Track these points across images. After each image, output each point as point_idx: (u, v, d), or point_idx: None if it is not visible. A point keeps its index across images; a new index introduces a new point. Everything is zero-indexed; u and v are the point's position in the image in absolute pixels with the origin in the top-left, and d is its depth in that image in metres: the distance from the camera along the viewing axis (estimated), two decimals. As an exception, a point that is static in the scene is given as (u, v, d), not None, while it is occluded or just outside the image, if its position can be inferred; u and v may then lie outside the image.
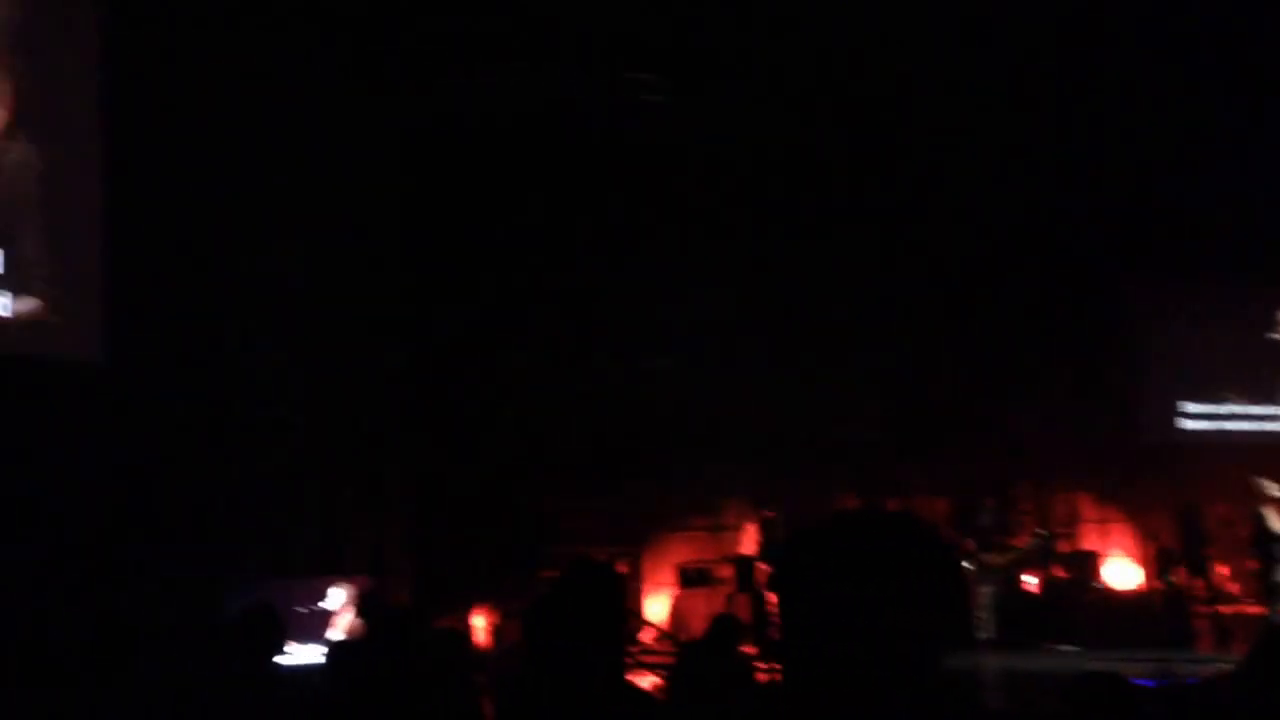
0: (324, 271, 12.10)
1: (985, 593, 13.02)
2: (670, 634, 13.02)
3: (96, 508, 9.48)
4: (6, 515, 8.50)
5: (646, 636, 13.19)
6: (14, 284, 9.37)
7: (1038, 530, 14.81)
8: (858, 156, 14.66)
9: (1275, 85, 14.40)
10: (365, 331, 12.47)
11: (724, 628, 6.74)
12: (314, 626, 10.08)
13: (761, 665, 9.50)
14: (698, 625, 11.44)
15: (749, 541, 13.60)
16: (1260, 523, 11.29)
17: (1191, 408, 16.61)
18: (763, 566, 12.75)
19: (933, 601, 1.79)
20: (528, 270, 13.66)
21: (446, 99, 13.18)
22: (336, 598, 10.60)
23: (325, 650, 6.63)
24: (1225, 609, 13.99)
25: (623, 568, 13.51)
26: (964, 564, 13.30)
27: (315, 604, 10.56)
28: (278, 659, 5.66)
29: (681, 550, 14.24)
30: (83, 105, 9.90)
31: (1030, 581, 14.28)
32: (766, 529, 13.19)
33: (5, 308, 9.32)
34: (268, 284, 11.64)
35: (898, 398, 15.08)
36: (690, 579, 13.70)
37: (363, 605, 9.11)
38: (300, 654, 8.67)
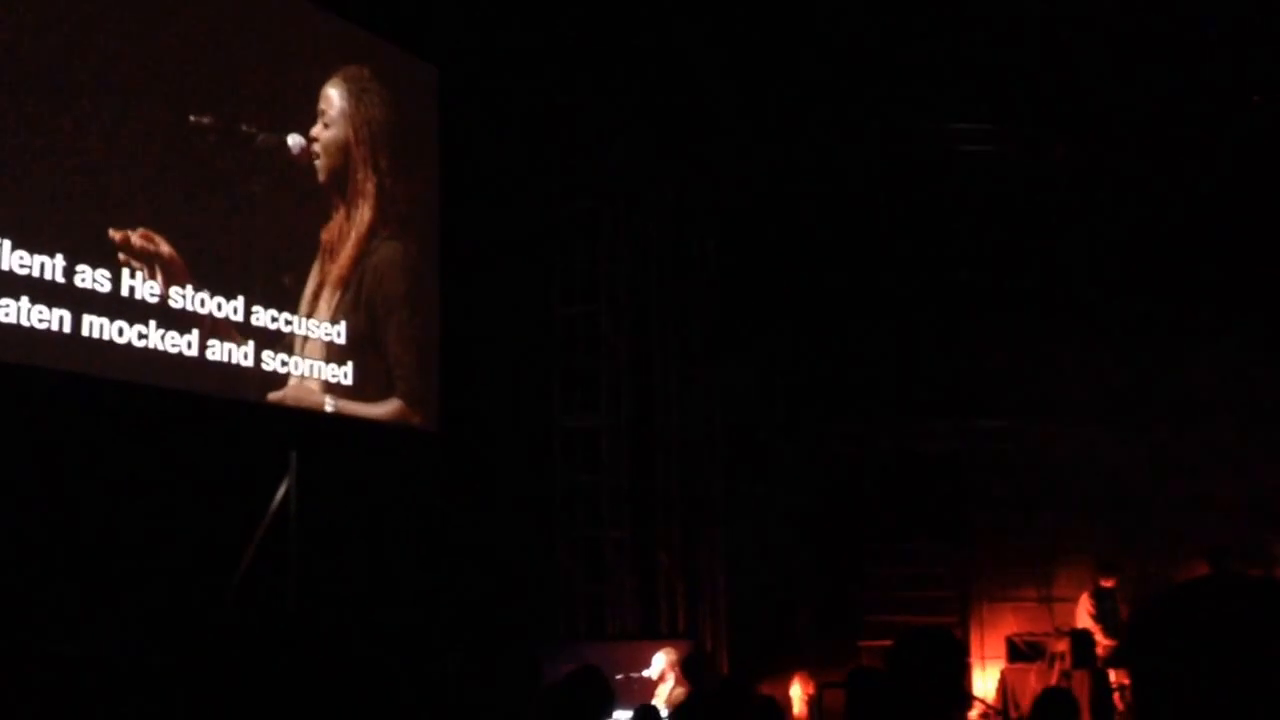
0: (637, 340, 12.35)
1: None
2: (1000, 710, 12.48)
3: (418, 573, 9.83)
4: (335, 584, 8.85)
5: (974, 713, 12.68)
6: (383, 388, 9.50)
7: None
8: (1184, 202, 13.88)
9: None
10: (680, 394, 12.64)
11: (1056, 703, 6.25)
12: (635, 693, 10.07)
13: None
14: (1027, 702, 10.91)
15: (1084, 613, 12.91)
16: None
17: None
18: (1102, 639, 12.07)
19: None
20: (848, 330, 13.54)
21: (761, 158, 13.27)
22: (658, 664, 10.55)
23: (634, 715, 6.63)
24: None
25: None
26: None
27: (636, 670, 10.55)
28: (605, 722, 5.65)
29: (1010, 621, 13.67)
30: (428, 200, 10.14)
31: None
32: (1101, 599, 12.48)
33: (373, 413, 9.41)
34: (586, 351, 11.98)
35: (1254, 458, 14.02)
36: (1021, 653, 13.10)
37: (688, 669, 9.08)
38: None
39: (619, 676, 10.18)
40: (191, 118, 8.04)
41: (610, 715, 5.56)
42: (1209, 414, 13.73)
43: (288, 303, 8.67)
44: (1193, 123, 13.57)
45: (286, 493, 8.25)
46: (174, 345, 7.72)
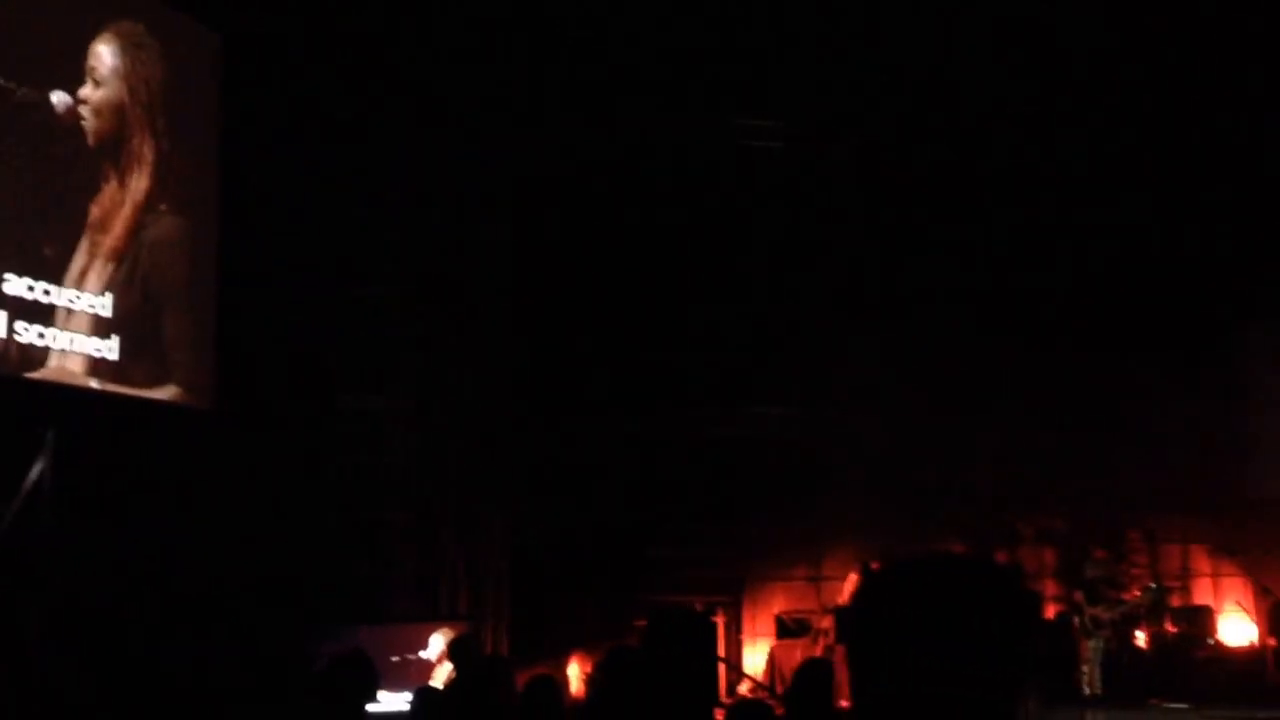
0: (424, 322, 12.25)
1: (1093, 647, 12.70)
2: (766, 685, 12.85)
3: (189, 554, 9.58)
4: (97, 562, 8.58)
5: (743, 688, 13.03)
6: (158, 373, 9.15)
7: (1149, 584, 14.42)
8: (969, 199, 14.52)
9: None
10: (467, 379, 12.58)
11: (814, 672, 6.30)
12: (411, 675, 10.00)
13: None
14: (795, 677, 11.26)
15: (850, 592, 13.39)
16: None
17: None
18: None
19: (1003, 649, 1.72)
20: (632, 318, 13.69)
21: (555, 149, 13.32)
22: (436, 645, 10.50)
23: (412, 698, 6.63)
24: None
25: (720, 617, 13.41)
26: (1072, 617, 12.99)
27: (413, 652, 10.48)
28: (369, 707, 5.64)
29: (781, 600, 14.09)
30: (208, 172, 9.68)
31: (1140, 636, 13.90)
32: (867, 579, 12.96)
33: (146, 395, 9.06)
34: (367, 332, 11.81)
35: (1008, 447, 14.80)
36: (789, 629, 13.53)
37: (455, 651, 9.07)
38: (393, 702, 8.65)
39: (396, 658, 10.12)
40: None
41: (374, 699, 5.56)
42: (967, 405, 14.38)
43: (47, 273, 8.22)
44: (973, 119, 14.19)
45: (42, 472, 7.93)
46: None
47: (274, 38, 10.46)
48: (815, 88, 13.96)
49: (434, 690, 7.27)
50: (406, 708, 7.68)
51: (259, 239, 10.39)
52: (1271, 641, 13.57)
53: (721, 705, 10.00)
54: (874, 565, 12.95)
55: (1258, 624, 14.47)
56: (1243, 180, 14.89)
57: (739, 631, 13.86)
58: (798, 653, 12.79)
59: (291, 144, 10.71)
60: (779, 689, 12.32)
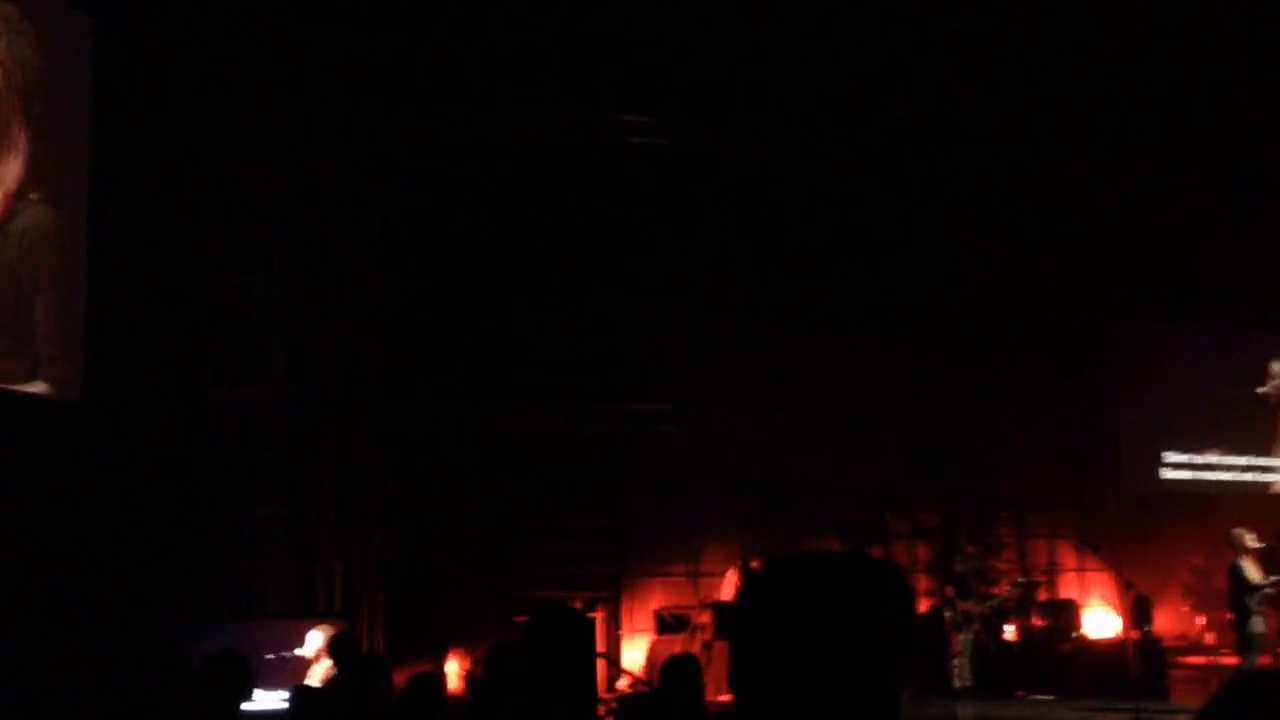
0: (298, 310, 12.07)
1: (964, 640, 12.99)
2: (645, 681, 12.91)
3: (62, 548, 9.34)
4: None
5: (622, 683, 13.08)
6: (26, 369, 8.87)
7: (1018, 579, 14.79)
8: (848, 201, 14.75)
9: (1267, 133, 14.51)
10: (337, 369, 12.42)
11: (680, 667, 6.23)
12: (288, 673, 9.87)
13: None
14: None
15: (729, 588, 13.53)
16: (1237, 574, 11.26)
17: (1174, 457, 16.63)
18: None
19: (883, 643, 1.76)
20: (509, 309, 13.65)
21: (431, 139, 13.20)
22: (313, 642, 10.38)
23: (289, 696, 6.55)
24: (1200, 660, 13.97)
25: (599, 613, 13.44)
26: (944, 611, 13.28)
27: (289, 650, 10.34)
28: (243, 706, 5.56)
29: (660, 595, 14.17)
30: (79, 161, 9.40)
31: (1008, 630, 14.26)
32: (749, 576, 13.11)
33: (16, 389, 8.80)
34: (241, 322, 11.59)
35: (883, 446, 15.08)
36: (668, 625, 13.62)
37: (335, 649, 8.96)
38: (269, 701, 8.53)
39: (271, 656, 9.97)
40: None
41: (249, 698, 5.49)
42: (843, 403, 14.61)
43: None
44: (851, 122, 14.41)
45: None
46: None
47: (140, 22, 10.23)
48: (700, 86, 14.05)
49: (311, 688, 7.19)
50: (283, 706, 7.58)
51: (126, 230, 10.14)
52: (1134, 634, 14.01)
53: (602, 701, 10.04)
54: (754, 563, 13.10)
55: (1121, 617, 14.94)
56: (1110, 187, 15.36)
57: (618, 627, 13.90)
58: (676, 648, 12.87)
59: (158, 133, 10.48)
60: (658, 684, 12.38)
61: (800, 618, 1.76)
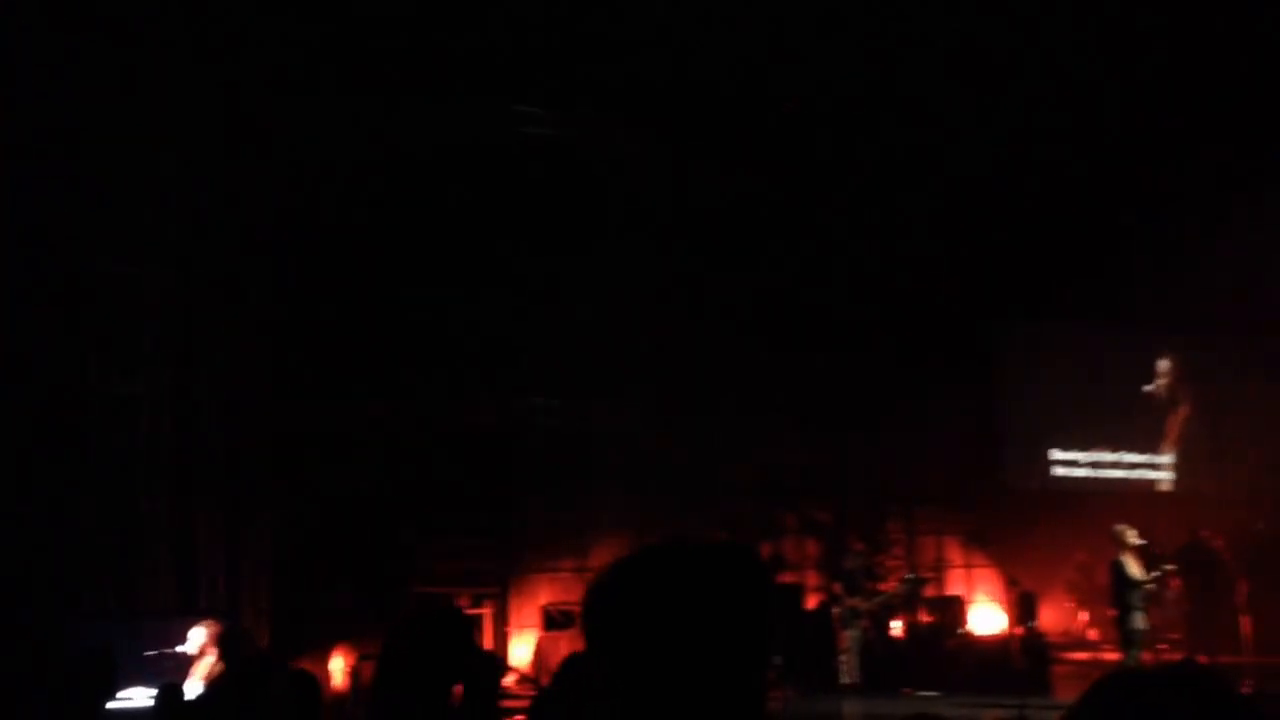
0: (187, 301, 11.79)
1: (852, 637, 13.06)
2: (533, 678, 12.81)
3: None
4: None
5: (509, 680, 12.94)
6: None
7: (906, 575, 14.92)
8: (737, 198, 14.77)
9: (1150, 126, 14.80)
10: (225, 361, 12.14)
11: (578, 666, 6.29)
12: (169, 669, 9.61)
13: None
14: (561, 669, 11.24)
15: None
16: (1119, 570, 11.45)
17: (1060, 454, 16.92)
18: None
19: (745, 635, 1.68)
20: (398, 304, 13.45)
21: (321, 129, 12.95)
22: (196, 639, 10.13)
23: (155, 694, 6.34)
24: (1083, 655, 14.22)
25: (486, 609, 13.31)
26: (832, 608, 13.35)
27: (170, 646, 10.08)
28: (109, 704, 5.36)
29: (548, 592, 14.06)
30: None
31: (896, 626, 14.37)
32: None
33: None
34: (127, 313, 11.29)
35: (772, 442, 15.13)
36: (554, 621, 13.52)
37: (224, 645, 8.73)
38: (137, 697, 8.29)
39: (150, 653, 9.71)
40: None
41: (113, 697, 5.29)
42: (733, 399, 14.64)
43: None
44: (745, 118, 14.43)
45: None
46: None
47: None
48: (589, 81, 13.97)
49: (177, 686, 6.97)
50: (144, 702, 7.35)
51: (12, 217, 9.82)
52: (1019, 630, 14.22)
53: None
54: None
55: (1006, 613, 15.16)
56: (999, 185, 15.57)
57: (505, 624, 13.78)
58: (564, 644, 12.78)
59: (46, 118, 10.18)
60: (544, 681, 12.28)
61: (658, 610, 1.68)
